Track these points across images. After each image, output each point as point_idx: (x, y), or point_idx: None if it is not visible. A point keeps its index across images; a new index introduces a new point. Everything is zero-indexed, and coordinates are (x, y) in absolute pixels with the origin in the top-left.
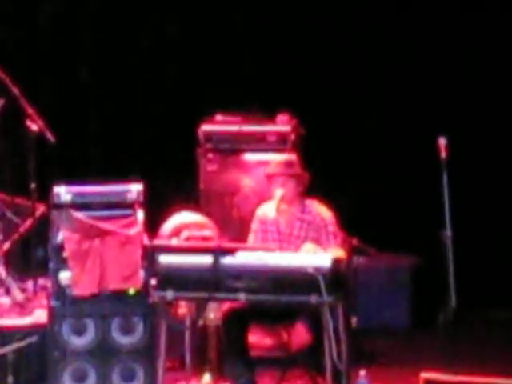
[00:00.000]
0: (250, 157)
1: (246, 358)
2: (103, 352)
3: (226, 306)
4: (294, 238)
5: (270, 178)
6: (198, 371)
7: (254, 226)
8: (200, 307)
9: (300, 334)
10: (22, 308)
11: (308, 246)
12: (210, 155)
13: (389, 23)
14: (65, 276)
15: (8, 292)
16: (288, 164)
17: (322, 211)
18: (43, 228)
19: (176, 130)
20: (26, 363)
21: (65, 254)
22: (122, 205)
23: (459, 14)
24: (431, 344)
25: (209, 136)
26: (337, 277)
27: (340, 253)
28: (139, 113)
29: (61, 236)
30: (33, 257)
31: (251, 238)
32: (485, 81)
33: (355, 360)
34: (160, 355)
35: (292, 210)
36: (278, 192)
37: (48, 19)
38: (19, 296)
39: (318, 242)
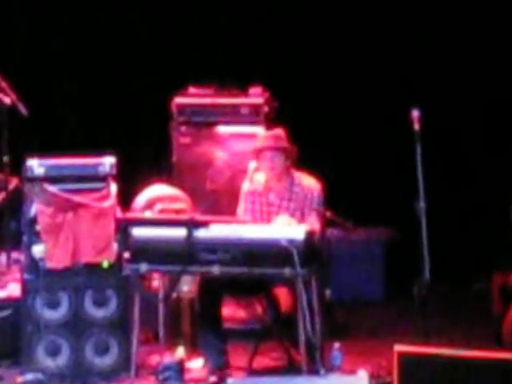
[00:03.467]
0: (223, 129)
1: (219, 330)
2: (77, 325)
3: (201, 278)
4: (283, 210)
5: (258, 152)
6: (172, 344)
7: (242, 196)
8: (173, 280)
9: (284, 296)
10: None
11: (282, 218)
12: (183, 128)
13: None
14: (38, 249)
15: None
16: (276, 138)
17: (310, 183)
18: (16, 201)
19: (149, 102)
20: (0, 337)
21: (38, 228)
22: (95, 178)
23: None
24: (405, 316)
25: (182, 108)
26: (311, 249)
27: (315, 225)
28: (112, 86)
29: (34, 209)
30: (6, 230)
31: (240, 211)
32: (457, 53)
33: (329, 333)
34: (134, 328)
35: (282, 182)
36: (252, 164)
37: None
38: None
39: (304, 211)
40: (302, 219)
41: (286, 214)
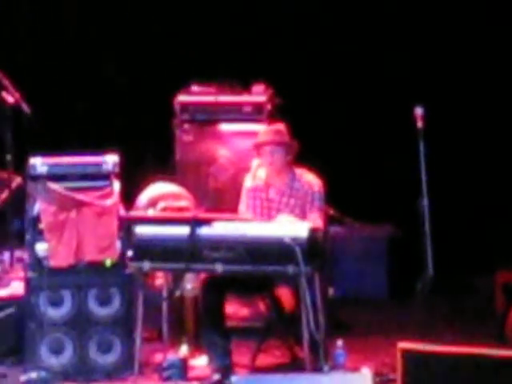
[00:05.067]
0: (225, 127)
1: (223, 328)
2: (80, 323)
3: (203, 275)
4: (283, 206)
5: (258, 147)
6: (175, 342)
7: (244, 192)
8: (177, 278)
9: (287, 294)
10: None
11: (283, 217)
12: (186, 126)
13: None
14: (41, 247)
15: None
16: (276, 132)
17: (311, 179)
18: (19, 200)
19: (152, 100)
20: (3, 335)
21: (41, 226)
22: (98, 176)
23: None
24: (409, 314)
25: (185, 106)
26: (314, 247)
27: (318, 222)
28: (115, 84)
29: (37, 208)
30: (9, 229)
31: (242, 207)
32: (461, 50)
33: (332, 330)
34: (137, 326)
35: (282, 178)
36: (255, 162)
37: None
38: None
39: (304, 208)
40: (302, 215)
41: (286, 212)
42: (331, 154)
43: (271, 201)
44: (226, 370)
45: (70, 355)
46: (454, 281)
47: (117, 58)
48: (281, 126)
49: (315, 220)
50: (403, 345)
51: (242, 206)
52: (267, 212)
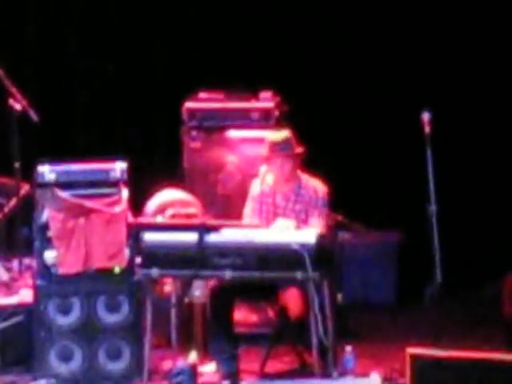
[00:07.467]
0: (233, 134)
1: (231, 334)
2: (89, 330)
3: (213, 282)
4: (288, 211)
5: (267, 158)
6: (184, 348)
7: (250, 197)
8: (185, 285)
9: (295, 299)
10: (7, 287)
11: (281, 222)
12: (194, 133)
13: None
14: (50, 255)
15: None
16: (285, 144)
17: (316, 184)
18: (28, 207)
19: (159, 107)
20: (12, 343)
21: (50, 233)
22: (106, 183)
23: None
24: (417, 319)
25: (192, 113)
26: (322, 253)
27: (319, 227)
28: (122, 91)
29: (45, 215)
30: (18, 236)
31: (247, 211)
32: (468, 55)
33: (341, 336)
34: (146, 333)
35: (289, 184)
36: (263, 168)
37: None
38: (4, 275)
39: (307, 212)
40: (307, 221)
41: (291, 217)
42: (338, 160)
43: (277, 206)
44: (234, 376)
45: (79, 362)
46: (463, 286)
47: (125, 65)
48: (288, 134)
49: (314, 225)
50: (412, 350)
51: (248, 210)
52: (272, 217)
